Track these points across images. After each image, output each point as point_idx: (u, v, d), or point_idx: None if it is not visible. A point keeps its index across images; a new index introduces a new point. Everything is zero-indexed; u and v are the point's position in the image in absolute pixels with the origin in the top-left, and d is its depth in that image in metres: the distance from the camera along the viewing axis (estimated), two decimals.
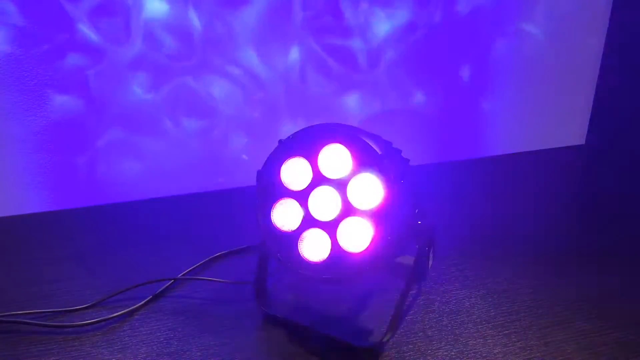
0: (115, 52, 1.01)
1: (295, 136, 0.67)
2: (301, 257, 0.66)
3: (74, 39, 0.98)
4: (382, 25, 1.16)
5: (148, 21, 1.01)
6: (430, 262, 0.73)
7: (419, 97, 1.26)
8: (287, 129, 1.15)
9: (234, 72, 1.09)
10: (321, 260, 0.66)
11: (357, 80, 1.19)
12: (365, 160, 0.64)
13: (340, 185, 0.65)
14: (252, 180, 0.72)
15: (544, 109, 1.37)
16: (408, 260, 0.76)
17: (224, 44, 1.07)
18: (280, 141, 0.68)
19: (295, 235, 0.67)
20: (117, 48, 1.01)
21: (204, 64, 1.07)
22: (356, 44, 1.15)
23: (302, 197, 0.67)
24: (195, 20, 1.04)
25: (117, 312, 0.73)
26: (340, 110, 1.20)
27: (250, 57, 1.10)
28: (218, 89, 1.09)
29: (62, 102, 1.01)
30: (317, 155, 0.66)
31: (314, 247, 0.66)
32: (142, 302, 0.75)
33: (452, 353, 0.67)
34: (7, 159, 1.01)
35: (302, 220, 0.67)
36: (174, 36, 1.04)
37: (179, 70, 1.06)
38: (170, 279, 0.80)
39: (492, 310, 0.74)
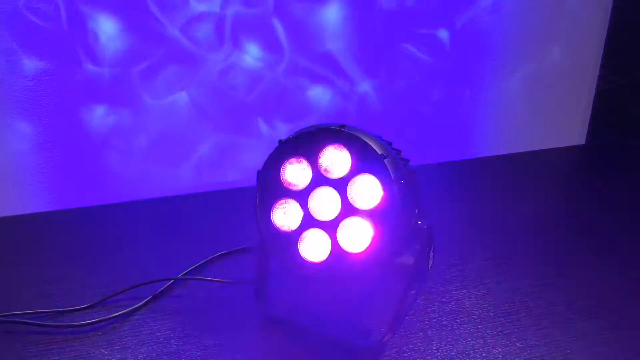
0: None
1: (295, 136, 0.68)
2: (301, 257, 0.66)
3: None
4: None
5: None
6: (430, 262, 0.73)
7: (419, 97, 1.26)
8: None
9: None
10: (321, 260, 0.66)
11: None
12: (365, 160, 0.64)
13: (340, 185, 0.65)
14: (252, 180, 0.72)
15: (544, 109, 1.37)
16: (408, 260, 0.76)
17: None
18: (280, 141, 0.68)
19: (295, 235, 0.67)
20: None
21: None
22: None
23: (302, 197, 0.67)
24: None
25: (117, 312, 0.73)
26: (341, 110, 1.20)
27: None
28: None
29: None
30: (318, 155, 0.66)
31: (314, 247, 0.66)
32: (142, 302, 0.75)
33: (452, 353, 0.67)
34: (7, 159, 1.01)
35: (302, 220, 0.67)
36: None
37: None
38: (170, 279, 0.80)
39: (492, 310, 0.74)
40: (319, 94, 1.16)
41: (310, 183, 0.67)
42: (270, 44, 1.09)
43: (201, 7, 1.03)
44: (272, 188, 0.68)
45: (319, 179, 0.66)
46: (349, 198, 0.64)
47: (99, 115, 1.04)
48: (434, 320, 0.73)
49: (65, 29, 0.97)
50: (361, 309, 0.74)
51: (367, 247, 0.63)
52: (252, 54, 1.08)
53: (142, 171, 1.11)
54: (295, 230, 0.67)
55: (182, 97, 1.08)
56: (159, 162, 1.12)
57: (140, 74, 1.04)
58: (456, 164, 1.31)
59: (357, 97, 1.20)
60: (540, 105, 1.36)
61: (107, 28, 1.00)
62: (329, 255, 0.65)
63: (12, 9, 0.94)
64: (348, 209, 0.65)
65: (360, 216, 0.64)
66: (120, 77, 1.03)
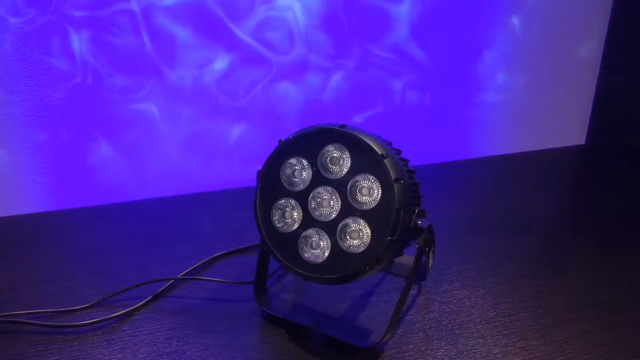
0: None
1: (295, 136, 0.68)
2: (301, 257, 0.66)
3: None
4: None
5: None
6: (430, 262, 0.73)
7: (419, 98, 1.26)
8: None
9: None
10: (321, 260, 0.66)
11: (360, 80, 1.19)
12: (365, 160, 0.64)
13: (340, 185, 0.65)
14: (252, 181, 0.72)
15: (544, 109, 1.37)
16: (408, 260, 0.76)
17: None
18: (280, 141, 0.68)
19: (295, 235, 0.67)
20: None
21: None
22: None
23: (302, 197, 0.67)
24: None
25: (117, 312, 0.73)
26: (341, 110, 1.20)
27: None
28: None
29: None
30: (317, 155, 0.66)
31: (314, 247, 0.66)
32: (142, 302, 0.75)
33: (452, 353, 0.67)
34: (7, 159, 1.01)
35: (302, 220, 0.67)
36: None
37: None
38: (170, 279, 0.80)
39: (492, 310, 0.74)
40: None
41: (310, 183, 0.67)
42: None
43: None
44: (272, 188, 0.68)
45: (319, 179, 0.66)
46: (349, 198, 0.64)
47: (99, 116, 1.05)
48: (434, 320, 0.73)
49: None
50: (361, 309, 0.74)
51: (367, 247, 0.63)
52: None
53: (142, 171, 1.11)
54: (295, 230, 0.67)
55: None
56: (159, 162, 1.12)
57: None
58: (456, 164, 1.31)
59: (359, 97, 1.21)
60: (540, 105, 1.36)
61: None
62: (328, 255, 0.65)
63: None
64: (348, 209, 0.65)
65: (360, 216, 0.64)
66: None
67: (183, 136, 1.11)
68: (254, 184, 0.70)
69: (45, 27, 0.96)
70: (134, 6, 1.00)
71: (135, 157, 1.10)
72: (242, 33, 1.07)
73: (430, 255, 0.70)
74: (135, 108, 1.06)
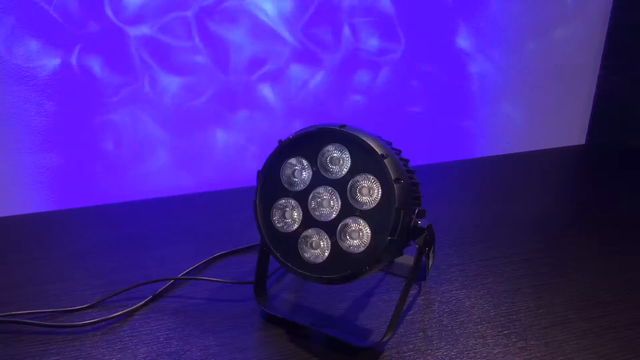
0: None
1: (295, 136, 0.67)
2: (301, 257, 0.66)
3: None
4: None
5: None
6: (430, 262, 0.73)
7: (420, 98, 1.26)
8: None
9: None
10: (321, 260, 0.66)
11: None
12: (365, 160, 0.64)
13: (340, 185, 0.65)
14: (252, 180, 0.72)
15: (544, 109, 1.37)
16: (408, 260, 0.76)
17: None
18: (280, 141, 0.68)
19: (295, 235, 0.67)
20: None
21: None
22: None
23: (302, 197, 0.67)
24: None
25: (117, 312, 0.73)
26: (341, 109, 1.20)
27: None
28: None
29: None
30: (317, 155, 0.66)
31: (314, 247, 0.66)
32: (142, 302, 0.75)
33: (452, 353, 0.66)
34: (7, 159, 1.01)
35: (302, 220, 0.67)
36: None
37: None
38: (170, 279, 0.80)
39: (492, 310, 0.74)
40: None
41: (310, 183, 0.67)
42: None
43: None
44: (272, 188, 0.68)
45: (319, 179, 0.66)
46: (349, 198, 0.64)
47: (99, 116, 1.05)
48: (434, 320, 0.72)
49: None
50: (361, 309, 0.74)
51: (367, 247, 0.63)
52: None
53: (142, 171, 1.11)
54: (295, 230, 0.67)
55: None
56: (159, 163, 1.12)
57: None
58: (456, 164, 1.31)
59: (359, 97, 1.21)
60: (541, 105, 1.36)
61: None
62: (328, 255, 0.65)
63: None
64: (348, 209, 0.65)
65: (359, 216, 0.64)
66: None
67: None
68: (254, 183, 0.70)
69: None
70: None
71: (136, 157, 1.10)
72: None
73: (430, 255, 0.70)
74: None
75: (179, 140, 1.11)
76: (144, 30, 1.01)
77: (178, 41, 1.04)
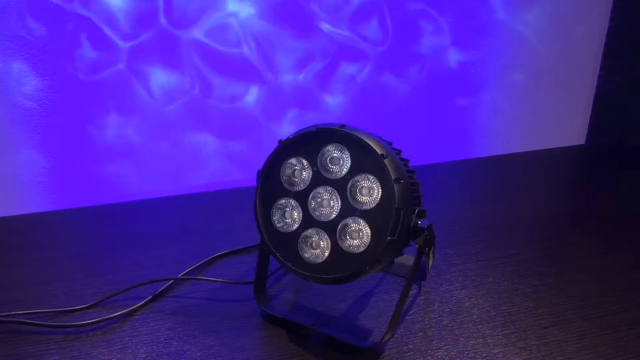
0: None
1: (295, 136, 0.68)
2: (301, 257, 0.66)
3: None
4: None
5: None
6: (430, 262, 0.73)
7: (420, 97, 1.26)
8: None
9: None
10: (321, 260, 0.66)
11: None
12: (365, 160, 0.64)
13: (340, 185, 0.65)
14: (252, 180, 0.72)
15: (544, 109, 1.37)
16: (408, 260, 0.76)
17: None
18: (280, 141, 0.68)
19: (295, 235, 0.67)
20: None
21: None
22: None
23: (302, 197, 0.67)
24: None
25: (117, 312, 0.73)
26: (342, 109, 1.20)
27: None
28: None
29: None
30: (317, 155, 0.66)
31: (314, 247, 0.66)
32: (142, 302, 0.75)
33: (452, 353, 0.66)
34: (7, 159, 1.01)
35: (302, 220, 0.67)
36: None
37: None
38: (170, 279, 0.80)
39: (492, 310, 0.74)
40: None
41: (310, 183, 0.67)
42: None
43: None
44: (272, 188, 0.68)
45: (319, 179, 0.66)
46: (349, 198, 0.64)
47: (100, 116, 1.05)
48: (434, 320, 0.72)
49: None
50: (361, 309, 0.74)
51: (367, 247, 0.63)
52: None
53: (142, 171, 1.11)
54: (295, 230, 0.67)
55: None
56: (159, 162, 1.12)
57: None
58: (456, 164, 1.31)
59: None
60: (541, 105, 1.36)
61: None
62: (328, 255, 0.65)
63: None
64: (348, 209, 0.65)
65: (360, 216, 0.64)
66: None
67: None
68: (254, 183, 0.70)
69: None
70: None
71: (136, 157, 1.10)
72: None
73: (430, 255, 0.70)
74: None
75: (179, 140, 1.11)
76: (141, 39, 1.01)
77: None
